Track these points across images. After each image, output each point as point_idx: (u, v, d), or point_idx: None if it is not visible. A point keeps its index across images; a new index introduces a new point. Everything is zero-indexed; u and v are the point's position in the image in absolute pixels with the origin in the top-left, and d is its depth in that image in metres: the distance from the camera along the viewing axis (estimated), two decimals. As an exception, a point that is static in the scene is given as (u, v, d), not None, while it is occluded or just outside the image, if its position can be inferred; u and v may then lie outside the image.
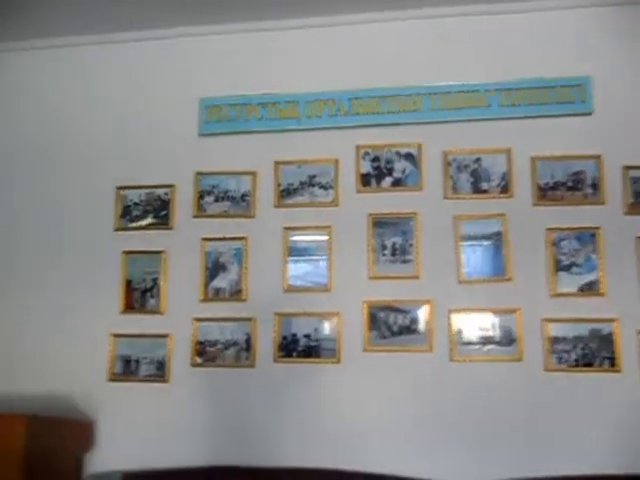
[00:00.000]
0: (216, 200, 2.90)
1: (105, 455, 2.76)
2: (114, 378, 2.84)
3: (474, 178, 2.78)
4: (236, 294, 2.82)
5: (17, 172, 3.12)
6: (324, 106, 2.90)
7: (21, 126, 3.17)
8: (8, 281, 3.01)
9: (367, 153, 2.85)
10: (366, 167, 2.85)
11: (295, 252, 2.82)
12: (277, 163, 2.89)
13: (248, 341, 2.77)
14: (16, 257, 3.04)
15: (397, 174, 2.82)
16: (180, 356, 2.82)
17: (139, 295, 2.89)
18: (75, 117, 3.12)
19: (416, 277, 2.73)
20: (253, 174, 2.89)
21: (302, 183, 2.86)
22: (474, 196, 2.77)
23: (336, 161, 2.86)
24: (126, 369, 2.84)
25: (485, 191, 2.76)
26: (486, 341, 2.64)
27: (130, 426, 2.79)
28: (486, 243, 2.74)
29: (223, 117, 2.97)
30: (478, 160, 2.78)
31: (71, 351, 2.88)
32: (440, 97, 2.85)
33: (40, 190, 3.08)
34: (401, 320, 2.71)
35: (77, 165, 3.07)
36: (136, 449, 2.75)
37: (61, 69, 3.18)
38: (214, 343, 2.80)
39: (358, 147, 2.86)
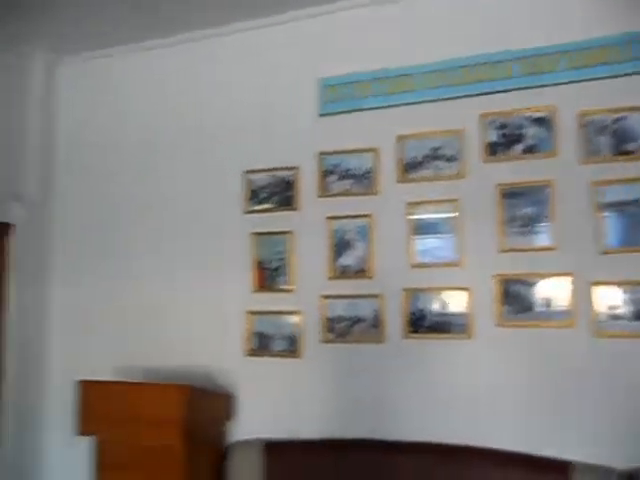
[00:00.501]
0: (339, 179, 2.93)
1: (244, 425, 2.94)
2: (251, 353, 3.00)
3: (615, 139, 2.55)
4: (363, 271, 2.85)
5: (153, 161, 3.36)
6: (445, 75, 2.81)
7: (155, 117, 3.38)
8: (149, 265, 3.27)
9: (493, 121, 2.73)
10: (492, 135, 2.72)
11: (421, 227, 2.78)
12: (399, 138, 2.85)
13: (376, 317, 2.80)
14: (154, 241, 3.29)
15: (528, 140, 2.66)
16: (310, 332, 2.91)
17: (269, 274, 3.02)
18: (202, 105, 3.28)
19: (551, 249, 2.58)
20: (375, 150, 2.88)
21: (425, 156, 2.81)
22: (616, 159, 2.55)
23: (460, 131, 2.77)
24: (261, 345, 2.99)
25: (629, 152, 2.53)
26: (634, 316, 2.44)
27: (266, 398, 2.94)
28: (631, 210, 2.51)
29: (342, 96, 2.99)
30: (620, 119, 2.55)
31: (211, 328, 3.08)
32: (571, 55, 2.64)
33: (172, 178, 3.30)
34: (537, 294, 2.59)
35: (206, 152, 3.24)
36: (271, 420, 2.91)
37: (187, 62, 3.35)
38: (342, 319, 2.86)
39: (482, 115, 2.74)
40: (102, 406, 2.57)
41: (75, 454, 3.07)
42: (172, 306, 3.18)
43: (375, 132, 2.90)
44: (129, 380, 2.98)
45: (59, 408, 3.31)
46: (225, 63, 3.26)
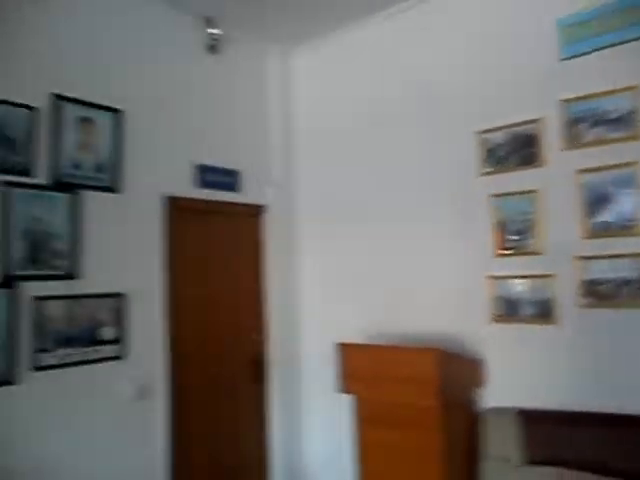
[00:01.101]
0: (591, 126, 2.62)
1: (494, 392, 2.88)
2: (497, 319, 2.91)
3: None
4: (627, 228, 2.52)
5: (384, 132, 3.43)
6: None
7: (382, 88, 3.46)
8: (390, 232, 3.36)
9: None
10: None
11: (703, 171, 2.34)
12: (667, 69, 2.43)
13: (647, 278, 2.46)
14: (393, 210, 3.37)
15: None
16: (564, 296, 2.69)
17: (513, 237, 2.86)
18: (428, 68, 3.24)
19: None
20: (635, 89, 2.50)
21: None
22: None
23: None
24: (508, 310, 2.87)
25: None
26: None
27: (516, 366, 2.83)
28: None
29: (585, 34, 2.65)
30: None
31: (454, 294, 3.06)
32: None
33: (405, 147, 3.33)
34: None
35: (436, 116, 3.20)
36: (523, 388, 2.79)
37: (410, 28, 3.34)
38: (604, 282, 2.57)
39: None
40: (360, 366, 2.76)
41: (333, 409, 3.40)
42: (415, 272, 3.24)
43: (633, 68, 2.51)
44: (376, 343, 3.15)
45: (315, 366, 3.68)
46: (451, 18, 3.17)
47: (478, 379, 2.91)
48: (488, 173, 2.97)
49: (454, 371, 2.65)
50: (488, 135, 2.96)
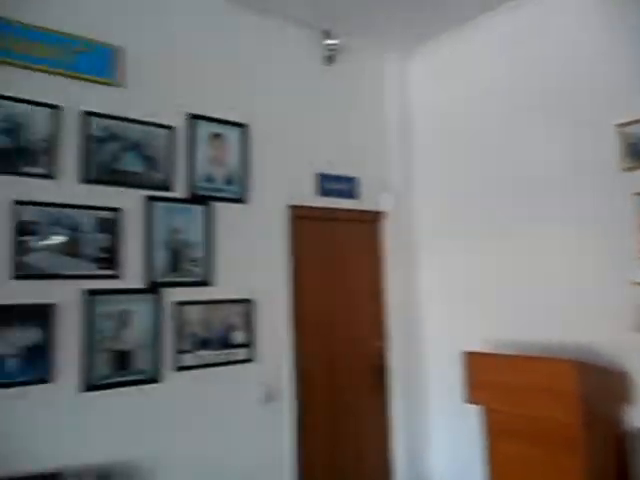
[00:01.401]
0: None
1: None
2: (644, 330, 2.63)
3: None
4: None
5: (512, 129, 3.26)
6: None
7: (508, 82, 3.29)
8: (517, 235, 3.18)
9: None
10: None
11: None
12: None
13: None
14: (520, 212, 3.18)
15: None
16: None
17: (662, 238, 2.59)
18: (560, 60, 3.04)
19: None
20: None
21: None
22: None
23: None
24: (659, 320, 2.59)
25: None
26: None
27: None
28: None
29: None
30: None
31: (590, 300, 2.81)
32: None
33: (534, 143, 3.14)
34: None
35: (569, 110, 2.98)
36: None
37: (538, 18, 3.16)
38: None
39: None
40: (489, 376, 2.64)
41: (460, 419, 3.28)
42: (546, 276, 3.03)
43: None
44: (503, 352, 2.99)
45: (439, 374, 3.58)
46: (589, 5, 2.93)
47: (624, 395, 2.64)
48: (630, 169, 2.70)
49: (596, 384, 2.45)
50: (630, 128, 2.70)
